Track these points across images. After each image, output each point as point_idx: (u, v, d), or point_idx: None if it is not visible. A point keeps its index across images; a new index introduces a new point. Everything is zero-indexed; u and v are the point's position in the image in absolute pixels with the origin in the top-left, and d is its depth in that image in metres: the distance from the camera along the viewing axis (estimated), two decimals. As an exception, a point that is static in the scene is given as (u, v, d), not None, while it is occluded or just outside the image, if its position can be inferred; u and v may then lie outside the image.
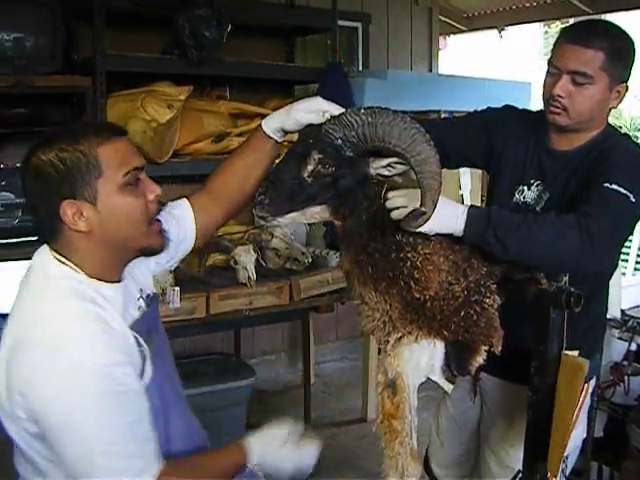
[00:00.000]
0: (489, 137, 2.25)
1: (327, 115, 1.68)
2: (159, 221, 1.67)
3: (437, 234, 1.69)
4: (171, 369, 1.83)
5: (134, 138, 3.64)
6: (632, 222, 1.96)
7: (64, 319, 1.50)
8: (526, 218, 1.78)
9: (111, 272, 1.63)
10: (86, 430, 1.47)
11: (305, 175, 1.61)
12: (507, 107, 2.31)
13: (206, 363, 4.22)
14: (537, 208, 2.11)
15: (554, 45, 2.05)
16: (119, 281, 1.66)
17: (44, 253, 1.62)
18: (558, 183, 2.08)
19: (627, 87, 2.04)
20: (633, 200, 1.84)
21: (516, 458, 2.03)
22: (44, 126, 3.49)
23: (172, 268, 2.07)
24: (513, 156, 2.20)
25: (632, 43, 2.05)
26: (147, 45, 4.00)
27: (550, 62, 2.04)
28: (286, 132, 1.81)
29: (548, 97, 2.04)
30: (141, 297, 1.76)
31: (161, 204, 1.67)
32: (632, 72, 2.04)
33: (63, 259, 1.58)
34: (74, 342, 1.47)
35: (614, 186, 1.84)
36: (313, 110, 1.72)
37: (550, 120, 2.07)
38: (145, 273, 1.84)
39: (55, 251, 1.59)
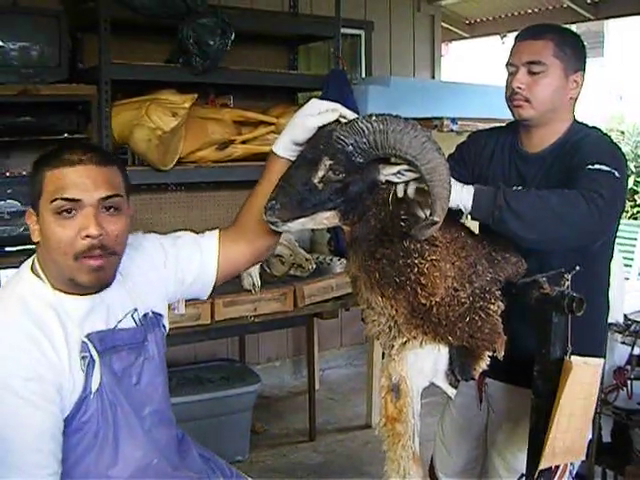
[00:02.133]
0: (467, 168, 2.31)
1: (329, 114, 1.70)
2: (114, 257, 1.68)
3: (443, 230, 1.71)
4: (146, 386, 1.80)
5: (139, 146, 3.68)
6: (622, 196, 2.04)
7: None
8: (532, 190, 1.88)
9: (69, 287, 1.66)
10: None
11: (316, 181, 1.62)
12: (473, 133, 2.43)
13: (211, 369, 4.23)
14: None
15: (509, 52, 2.17)
16: (91, 293, 1.69)
17: (29, 261, 1.71)
18: (538, 184, 2.11)
19: (583, 76, 2.15)
20: (618, 175, 1.94)
21: (524, 461, 2.05)
22: (50, 134, 3.53)
23: (201, 296, 2.05)
24: (493, 172, 2.26)
25: (578, 37, 2.19)
26: (152, 54, 4.04)
27: (507, 64, 2.15)
28: (299, 144, 1.77)
29: (510, 93, 2.14)
30: (131, 315, 1.78)
31: (101, 245, 1.63)
32: (586, 63, 2.16)
33: (37, 266, 1.67)
34: None
35: (597, 166, 1.93)
36: (313, 112, 1.73)
37: (516, 116, 2.15)
38: (154, 292, 1.87)
39: (37, 259, 1.68)
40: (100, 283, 1.67)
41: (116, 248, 1.67)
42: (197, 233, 2.01)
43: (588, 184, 1.89)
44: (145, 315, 1.82)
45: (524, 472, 1.93)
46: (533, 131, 2.18)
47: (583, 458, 2.02)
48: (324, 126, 1.70)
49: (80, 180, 1.61)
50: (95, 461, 1.66)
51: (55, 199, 1.60)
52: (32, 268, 1.69)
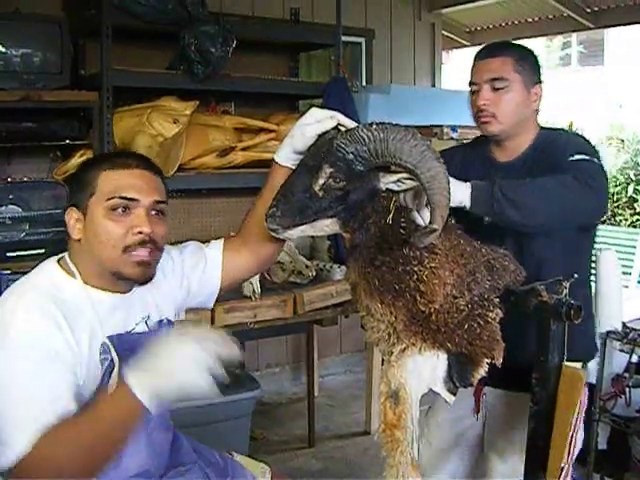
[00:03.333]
0: None
1: (327, 121, 1.71)
2: (154, 254, 1.74)
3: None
4: None
5: (140, 152, 3.68)
6: (606, 181, 2.13)
7: (17, 304, 1.62)
8: (527, 180, 1.96)
9: (103, 282, 1.73)
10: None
11: (316, 188, 1.63)
12: (443, 151, 2.43)
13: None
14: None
15: (470, 72, 2.26)
16: (122, 292, 1.76)
17: (54, 258, 1.78)
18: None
19: (542, 88, 2.23)
20: (598, 162, 2.07)
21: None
22: (51, 141, 3.55)
23: (206, 306, 2.10)
24: None
25: (533, 51, 2.30)
26: (153, 61, 4.06)
27: (470, 84, 2.24)
28: (300, 153, 1.79)
29: (476, 111, 2.22)
30: (145, 322, 1.82)
31: (151, 241, 1.72)
32: (542, 75, 2.26)
33: (68, 261, 1.74)
34: (11, 322, 1.58)
35: (577, 156, 2.06)
36: (312, 121, 1.74)
37: (484, 131, 2.24)
38: (166, 301, 1.92)
39: (69, 255, 1.75)
40: (145, 276, 1.75)
41: (162, 246, 1.78)
42: (200, 240, 2.05)
43: (575, 172, 1.99)
44: (160, 321, 1.87)
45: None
46: (503, 143, 2.26)
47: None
48: (324, 134, 1.71)
49: (137, 182, 1.74)
50: None
51: (112, 197, 1.70)
52: (61, 265, 1.74)
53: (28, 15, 3.67)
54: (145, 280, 1.76)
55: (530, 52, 2.29)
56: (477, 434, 2.44)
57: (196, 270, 1.97)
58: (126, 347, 1.72)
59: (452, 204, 1.73)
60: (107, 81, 3.65)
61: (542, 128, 2.29)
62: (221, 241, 2.02)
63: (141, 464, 1.75)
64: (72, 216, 1.74)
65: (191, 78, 3.87)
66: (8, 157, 3.78)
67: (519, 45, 2.35)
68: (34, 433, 1.48)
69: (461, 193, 1.87)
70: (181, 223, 4.32)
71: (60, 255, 1.78)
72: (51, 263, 1.76)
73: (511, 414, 2.29)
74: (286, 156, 1.83)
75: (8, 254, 3.37)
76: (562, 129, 2.32)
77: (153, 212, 1.76)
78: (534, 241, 2.14)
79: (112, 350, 1.69)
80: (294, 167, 1.79)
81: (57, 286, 1.69)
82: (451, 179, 1.64)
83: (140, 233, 1.70)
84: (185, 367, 1.50)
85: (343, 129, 1.69)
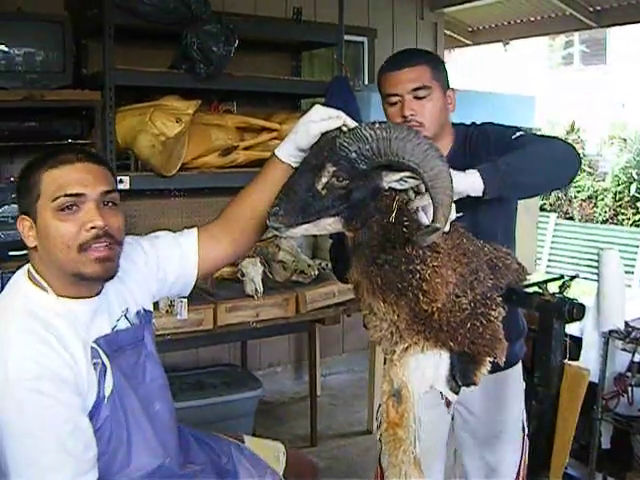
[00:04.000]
0: None
1: (332, 120, 1.72)
2: (116, 250, 1.70)
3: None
4: (151, 382, 1.85)
5: (142, 152, 3.69)
6: None
7: (4, 335, 1.59)
8: (513, 151, 2.02)
9: (71, 289, 1.68)
10: (14, 442, 1.54)
11: (319, 187, 1.62)
12: None
13: (213, 374, 4.24)
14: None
15: (379, 85, 2.26)
16: (92, 296, 1.72)
17: (23, 270, 1.73)
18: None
19: (453, 90, 2.27)
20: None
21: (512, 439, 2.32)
22: (54, 140, 3.54)
23: (183, 294, 2.09)
24: None
25: (439, 56, 2.41)
26: (156, 60, 4.06)
27: (386, 96, 2.22)
28: (303, 150, 1.79)
29: (402, 122, 2.16)
30: (124, 315, 1.82)
31: (107, 235, 1.66)
32: (449, 79, 2.30)
33: (35, 274, 1.68)
34: (7, 358, 1.56)
35: (517, 133, 2.14)
36: (316, 119, 1.74)
37: None
38: (141, 290, 1.90)
39: (32, 267, 1.70)
40: (106, 274, 1.69)
41: (120, 238, 1.71)
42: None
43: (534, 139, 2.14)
44: (137, 312, 1.86)
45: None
46: None
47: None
48: (327, 133, 1.71)
49: (81, 176, 1.66)
50: (107, 466, 1.68)
51: (57, 197, 1.63)
52: (30, 278, 1.70)
53: (30, 14, 3.67)
54: (109, 276, 1.70)
55: (439, 58, 2.36)
56: (449, 428, 2.46)
57: (172, 261, 1.94)
58: (114, 347, 1.73)
59: (461, 194, 1.81)
60: (109, 80, 3.65)
61: (454, 125, 2.33)
62: (195, 230, 1.99)
63: (153, 461, 1.76)
64: (24, 224, 1.68)
65: (193, 77, 3.87)
66: (11, 156, 3.78)
67: (427, 51, 2.45)
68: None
69: (471, 181, 1.87)
70: (183, 222, 4.32)
71: (25, 268, 1.73)
72: (21, 280, 1.71)
73: (487, 395, 2.32)
74: (288, 152, 1.83)
75: (10, 253, 3.37)
76: (472, 123, 2.35)
77: (104, 204, 1.69)
78: (487, 215, 2.16)
79: (101, 353, 1.68)
80: (294, 164, 1.81)
81: (36, 304, 1.65)
82: (454, 172, 1.65)
83: (93, 228, 1.64)
84: None
85: (345, 129, 1.70)
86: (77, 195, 1.64)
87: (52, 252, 1.64)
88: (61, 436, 1.55)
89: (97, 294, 1.73)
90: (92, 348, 1.67)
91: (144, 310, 1.89)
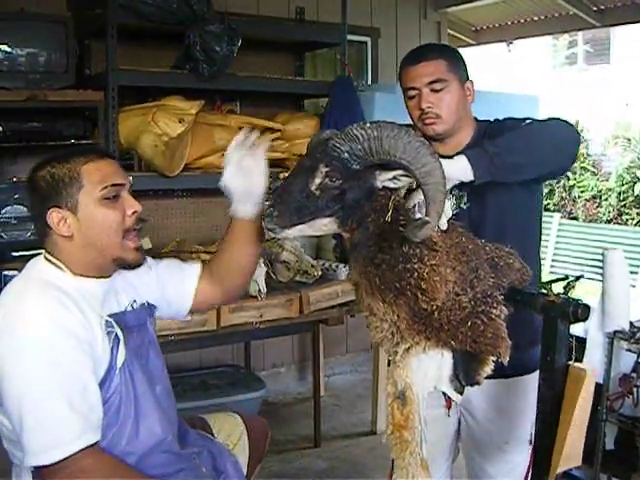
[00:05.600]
0: None
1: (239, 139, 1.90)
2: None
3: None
4: (153, 366, 1.95)
5: (145, 152, 3.69)
6: None
7: (27, 299, 1.71)
8: (505, 134, 2.04)
9: (94, 270, 1.83)
10: (26, 395, 1.64)
11: (313, 188, 1.63)
12: None
13: (216, 375, 4.24)
14: (464, 207, 2.23)
15: (400, 79, 2.32)
16: (106, 277, 1.87)
17: (39, 256, 1.86)
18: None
19: (472, 82, 2.31)
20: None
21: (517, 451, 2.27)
22: (57, 140, 3.54)
23: (176, 318, 2.26)
24: None
25: (457, 50, 2.41)
26: (159, 60, 4.06)
27: (406, 90, 2.28)
28: (247, 191, 1.93)
29: (419, 115, 2.24)
30: (131, 305, 1.96)
31: (142, 221, 1.89)
32: (468, 71, 2.33)
33: (52, 258, 1.81)
34: (26, 317, 1.67)
35: (527, 121, 2.16)
36: (230, 152, 1.93)
37: (430, 133, 2.23)
38: (148, 291, 2.04)
39: (48, 252, 1.82)
40: (141, 261, 1.88)
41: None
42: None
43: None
44: (142, 304, 1.99)
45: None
46: (445, 140, 2.27)
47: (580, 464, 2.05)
48: (318, 135, 1.75)
49: (115, 169, 1.86)
50: (117, 437, 1.77)
51: (105, 187, 1.80)
52: (47, 260, 1.81)
53: (33, 15, 3.68)
54: (140, 264, 1.88)
55: (457, 51, 2.38)
56: (454, 430, 2.43)
57: (173, 280, 2.09)
58: (123, 325, 1.84)
59: (453, 182, 1.82)
60: (112, 80, 3.65)
61: (477, 120, 2.36)
62: (199, 265, 2.14)
63: (158, 434, 1.85)
64: (56, 216, 1.79)
65: (196, 77, 3.88)
66: (14, 157, 3.78)
67: (445, 45, 2.48)
68: (78, 431, 1.64)
69: (460, 166, 1.88)
70: (186, 222, 4.32)
71: (39, 256, 1.85)
72: (38, 262, 1.83)
73: (491, 401, 2.29)
74: (236, 206, 1.98)
75: (14, 254, 3.38)
76: (496, 119, 2.37)
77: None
78: (496, 209, 2.19)
79: (115, 325, 1.80)
80: (244, 217, 1.97)
81: (53, 277, 1.77)
82: (442, 160, 1.65)
83: (134, 212, 1.84)
84: None
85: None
86: (120, 185, 1.83)
87: (98, 238, 1.79)
88: (70, 393, 1.65)
89: (107, 277, 1.86)
90: (106, 321, 1.79)
91: (148, 304, 2.01)
